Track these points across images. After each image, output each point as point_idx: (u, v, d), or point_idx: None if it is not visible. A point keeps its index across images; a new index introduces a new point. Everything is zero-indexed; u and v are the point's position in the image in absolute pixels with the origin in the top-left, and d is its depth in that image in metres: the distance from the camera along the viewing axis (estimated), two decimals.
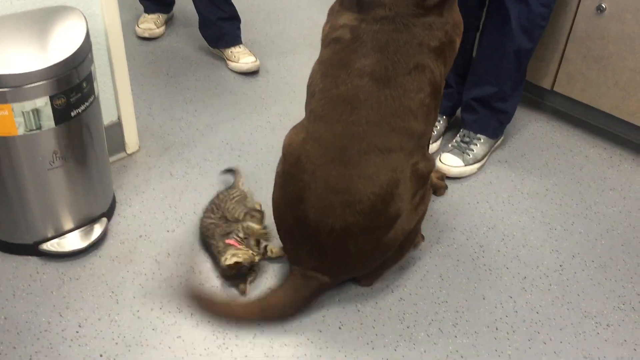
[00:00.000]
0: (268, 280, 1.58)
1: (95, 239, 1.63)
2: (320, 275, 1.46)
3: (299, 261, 1.47)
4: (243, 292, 1.52)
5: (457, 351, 1.44)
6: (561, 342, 1.48)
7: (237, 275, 1.51)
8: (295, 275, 1.48)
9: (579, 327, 1.52)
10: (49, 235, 1.60)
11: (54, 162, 1.49)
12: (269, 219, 1.59)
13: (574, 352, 1.45)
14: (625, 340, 1.49)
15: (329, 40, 1.41)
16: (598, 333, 1.50)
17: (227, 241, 1.54)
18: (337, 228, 1.38)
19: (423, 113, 1.39)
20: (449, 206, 1.85)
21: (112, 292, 1.53)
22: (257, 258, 1.53)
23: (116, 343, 1.42)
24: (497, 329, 1.50)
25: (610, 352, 1.46)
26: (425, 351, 1.44)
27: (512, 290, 1.60)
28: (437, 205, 1.84)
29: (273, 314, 1.48)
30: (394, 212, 1.39)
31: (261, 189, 1.85)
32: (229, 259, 1.50)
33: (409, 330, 1.48)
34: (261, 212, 1.69)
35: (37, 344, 1.40)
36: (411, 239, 1.52)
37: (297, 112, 2.15)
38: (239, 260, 1.49)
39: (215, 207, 1.66)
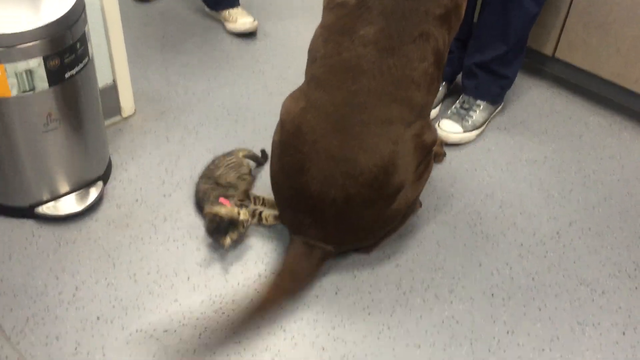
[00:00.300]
0: (258, 241, 1.59)
1: (91, 202, 1.62)
2: (324, 244, 1.45)
3: (301, 231, 1.46)
4: (223, 246, 1.51)
5: (452, 317, 1.45)
6: (556, 308, 1.48)
7: (217, 229, 1.50)
8: (297, 243, 1.47)
9: (574, 294, 1.52)
10: (45, 198, 1.59)
11: (48, 125, 1.47)
12: (268, 188, 1.58)
13: (568, 319, 1.46)
14: (620, 307, 1.49)
15: (334, 4, 1.37)
16: (593, 300, 1.51)
17: (221, 199, 1.55)
18: (339, 199, 1.37)
19: (426, 83, 1.37)
20: (447, 173, 1.84)
21: (109, 255, 1.53)
22: (242, 217, 1.51)
23: (113, 306, 1.42)
24: (492, 295, 1.50)
25: (605, 318, 1.47)
26: (421, 317, 1.44)
27: (508, 257, 1.60)
28: (435, 172, 1.83)
29: (287, 288, 1.44)
30: (396, 184, 1.38)
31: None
32: (207, 208, 1.52)
33: (405, 296, 1.49)
34: (252, 176, 1.69)
35: (34, 306, 1.40)
36: (412, 208, 1.52)
37: (294, 77, 2.12)
38: (218, 212, 1.49)
39: (210, 172, 1.65)
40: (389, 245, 1.59)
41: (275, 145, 1.46)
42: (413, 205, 1.51)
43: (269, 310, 1.40)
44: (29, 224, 1.59)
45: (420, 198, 1.66)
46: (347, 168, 1.35)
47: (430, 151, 1.47)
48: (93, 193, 1.64)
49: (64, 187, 1.61)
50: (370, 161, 1.34)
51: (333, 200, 1.37)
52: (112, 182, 1.72)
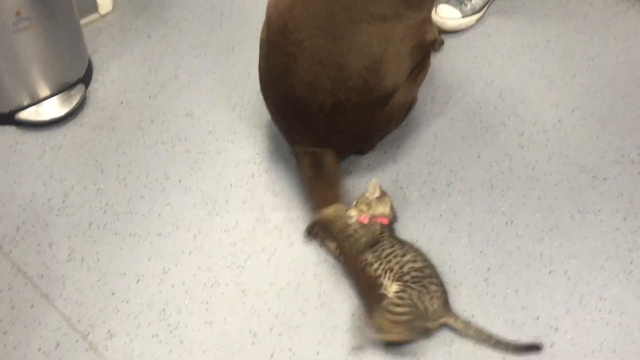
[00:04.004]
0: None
1: (74, 106, 1.56)
2: (321, 150, 1.37)
3: (296, 140, 1.39)
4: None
5: (450, 210, 1.42)
6: (556, 197, 1.46)
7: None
8: (301, 157, 1.38)
9: (574, 182, 1.49)
10: (25, 103, 1.53)
11: (18, 24, 1.38)
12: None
13: (568, 207, 1.44)
14: (621, 193, 1.47)
15: None
16: (594, 187, 1.48)
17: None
18: (327, 104, 1.28)
19: None
20: (445, 62, 1.76)
21: (96, 160, 1.49)
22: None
23: (104, 212, 1.39)
24: (491, 186, 1.47)
25: (606, 205, 1.44)
26: (418, 210, 1.42)
27: (508, 147, 1.56)
28: (432, 61, 1.73)
29: (326, 200, 1.34)
30: (390, 87, 1.29)
31: (245, 50, 1.75)
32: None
33: (402, 191, 1.46)
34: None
35: (23, 214, 1.38)
36: (408, 110, 1.45)
37: None
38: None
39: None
40: (385, 139, 1.54)
41: (262, 43, 1.36)
42: (408, 107, 1.44)
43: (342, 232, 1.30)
44: (11, 131, 1.54)
45: None
46: (335, 71, 1.25)
47: (429, 49, 1.38)
48: (75, 96, 1.57)
49: (44, 91, 1.54)
50: (360, 63, 1.25)
51: (321, 105, 1.29)
52: (94, 84, 1.65)
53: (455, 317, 1.20)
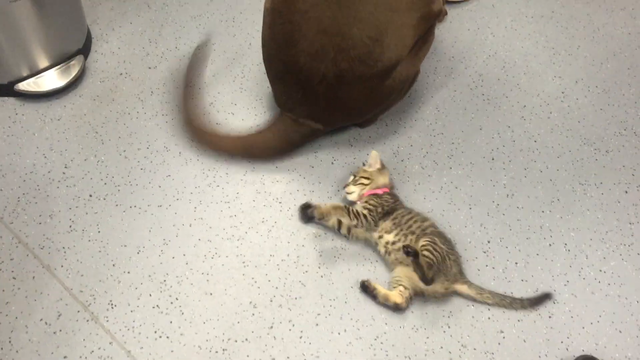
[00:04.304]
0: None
1: (74, 77, 1.54)
2: (313, 123, 1.39)
3: (291, 108, 1.39)
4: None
5: (451, 182, 1.42)
6: (557, 169, 1.45)
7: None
8: (286, 118, 1.41)
9: (577, 154, 1.48)
10: (24, 74, 1.51)
11: None
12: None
13: (570, 179, 1.43)
14: (623, 166, 1.46)
15: None
16: (596, 159, 1.47)
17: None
18: (329, 75, 1.28)
19: None
20: (448, 33, 1.73)
21: (96, 132, 1.48)
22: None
23: (105, 183, 1.39)
24: (493, 159, 1.47)
25: (608, 177, 1.44)
26: (419, 183, 1.41)
27: (510, 119, 1.54)
28: (435, 33, 1.72)
29: (256, 153, 1.43)
30: (393, 59, 1.28)
31: (245, 21, 1.73)
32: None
33: (402, 163, 1.45)
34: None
35: (24, 185, 1.38)
36: (410, 83, 1.43)
37: None
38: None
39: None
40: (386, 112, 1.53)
41: (267, 12, 1.34)
42: (410, 82, 1.42)
43: (221, 152, 1.43)
44: (10, 102, 1.53)
45: None
46: (339, 40, 1.24)
47: (434, 22, 1.36)
48: (74, 67, 1.56)
49: (42, 62, 1.52)
50: (365, 32, 1.23)
51: (323, 75, 1.28)
52: (93, 55, 1.63)
53: (469, 283, 1.23)
